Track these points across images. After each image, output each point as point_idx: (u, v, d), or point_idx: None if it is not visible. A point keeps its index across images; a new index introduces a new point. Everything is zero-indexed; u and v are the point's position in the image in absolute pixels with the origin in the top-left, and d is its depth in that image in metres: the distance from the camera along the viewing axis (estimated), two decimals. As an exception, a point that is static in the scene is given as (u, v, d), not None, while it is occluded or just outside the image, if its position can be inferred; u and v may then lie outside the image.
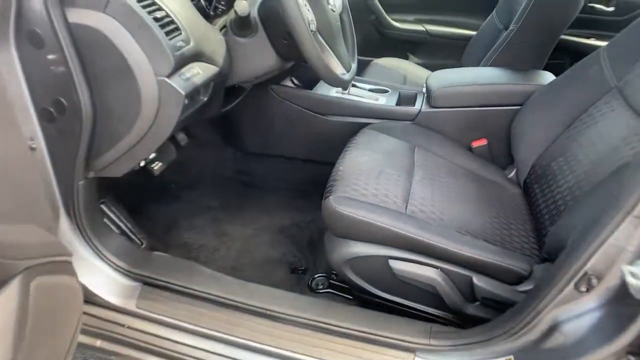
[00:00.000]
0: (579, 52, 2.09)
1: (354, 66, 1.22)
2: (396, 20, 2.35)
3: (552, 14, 1.58)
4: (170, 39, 0.91)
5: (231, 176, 1.81)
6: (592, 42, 2.13)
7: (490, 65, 1.67)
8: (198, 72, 0.99)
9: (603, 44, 2.18)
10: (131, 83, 0.90)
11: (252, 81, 1.26)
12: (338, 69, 1.12)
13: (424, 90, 1.57)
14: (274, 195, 1.73)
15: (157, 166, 1.32)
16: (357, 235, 1.03)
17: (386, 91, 1.64)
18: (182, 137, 1.68)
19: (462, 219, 1.10)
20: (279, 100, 1.54)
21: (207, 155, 1.84)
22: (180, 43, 0.94)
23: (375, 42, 2.43)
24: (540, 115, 1.34)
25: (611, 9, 2.09)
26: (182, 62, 0.95)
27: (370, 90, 1.66)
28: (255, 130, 1.69)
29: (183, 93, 0.92)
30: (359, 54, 2.45)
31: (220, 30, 1.11)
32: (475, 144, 1.48)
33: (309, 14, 1.00)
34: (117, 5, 0.85)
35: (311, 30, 1.01)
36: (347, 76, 1.14)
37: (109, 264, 1.11)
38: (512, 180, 1.38)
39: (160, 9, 0.93)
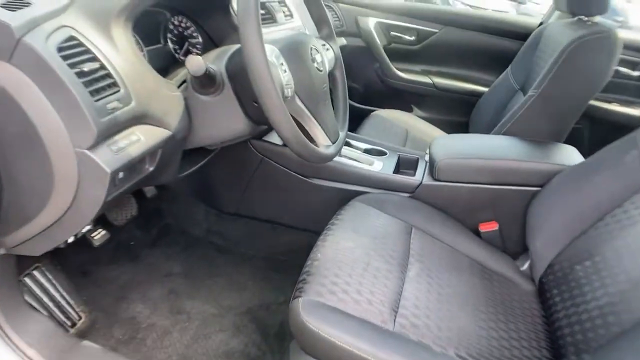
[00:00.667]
0: (600, 118, 1.90)
1: (342, 135, 1.01)
2: (401, 70, 2.17)
3: (580, 81, 1.38)
4: (100, 99, 0.70)
5: (201, 236, 1.59)
6: (615, 107, 1.93)
7: (504, 134, 1.45)
8: (139, 139, 0.78)
9: (626, 110, 2.03)
10: (41, 154, 0.69)
11: (219, 145, 1.06)
12: (320, 140, 0.92)
13: (427, 157, 1.37)
14: (247, 264, 1.50)
15: (98, 235, 1.10)
16: (327, 358, 0.80)
17: (384, 153, 1.43)
18: (148, 189, 1.47)
19: (463, 333, 0.87)
20: (258, 157, 1.33)
21: (176, 209, 1.62)
22: (115, 104, 0.73)
23: (377, 91, 2.25)
24: (563, 203, 1.12)
25: (637, 73, 1.90)
26: (116, 127, 0.74)
27: (365, 150, 1.45)
28: (231, 187, 1.48)
29: (108, 170, 0.71)
30: (359, 103, 2.32)
31: (180, 85, 0.91)
32: (484, 228, 1.26)
33: (283, 76, 0.80)
34: (27, 53, 0.64)
35: (285, 96, 0.81)
36: (331, 149, 0.92)
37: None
38: (525, 274, 1.16)
39: (93, 59, 0.72)
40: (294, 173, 1.32)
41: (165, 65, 1.02)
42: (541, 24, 2.00)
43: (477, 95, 1.97)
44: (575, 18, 1.53)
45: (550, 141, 1.40)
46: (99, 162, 0.70)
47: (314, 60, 0.90)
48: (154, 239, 1.55)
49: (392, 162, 1.39)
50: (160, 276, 1.44)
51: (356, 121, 1.80)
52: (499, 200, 1.26)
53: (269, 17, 1.34)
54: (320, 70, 0.92)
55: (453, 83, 2.14)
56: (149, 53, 0.99)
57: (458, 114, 2.13)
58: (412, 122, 1.96)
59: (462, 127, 2.03)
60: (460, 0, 9.57)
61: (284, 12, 1.44)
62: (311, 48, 0.91)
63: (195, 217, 1.59)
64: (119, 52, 0.76)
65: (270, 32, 1.27)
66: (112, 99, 0.73)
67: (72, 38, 0.71)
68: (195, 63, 0.74)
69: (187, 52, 1.10)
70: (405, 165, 1.42)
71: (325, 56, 0.98)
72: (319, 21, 1.06)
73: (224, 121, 0.88)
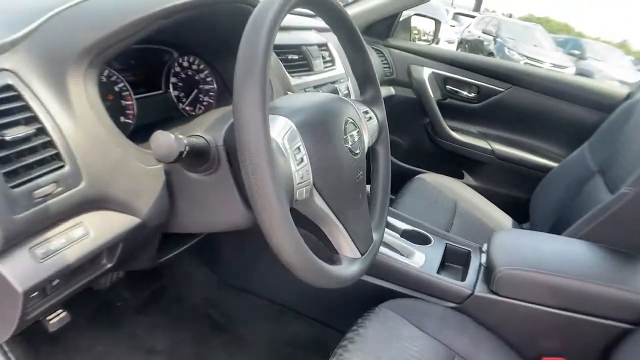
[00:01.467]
0: None
1: (376, 241, 0.74)
2: (455, 130, 1.90)
3: None
4: (21, 183, 0.47)
5: (198, 306, 1.34)
6: None
7: (584, 237, 1.14)
8: (85, 234, 0.54)
9: None
10: None
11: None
12: (345, 250, 0.65)
13: (483, 258, 1.09)
14: (245, 350, 1.23)
15: (56, 318, 0.87)
16: None
17: (427, 240, 1.16)
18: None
19: None
20: None
21: (176, 269, 1.39)
22: (49, 188, 0.49)
23: (425, 150, 1.98)
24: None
25: None
26: (48, 221, 0.51)
27: (404, 233, 1.18)
28: (237, 257, 1.24)
29: (19, 290, 0.47)
30: (403, 161, 2.06)
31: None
32: (548, 364, 0.96)
33: (297, 169, 0.54)
34: None
35: (296, 200, 0.55)
36: (355, 267, 0.65)
37: None
38: None
39: (30, 120, 0.50)
40: None
41: (162, 118, 0.80)
42: (629, 95, 1.69)
43: (543, 170, 1.66)
44: None
45: (636, 255, 1.09)
46: (6, 277, 0.47)
47: (347, 139, 0.65)
48: (144, 302, 1.32)
49: (437, 255, 1.11)
50: (141, 352, 1.20)
51: (397, 183, 1.54)
52: (572, 332, 0.96)
53: (304, 64, 1.10)
54: (356, 154, 0.66)
55: (515, 152, 1.84)
56: (142, 102, 0.76)
57: (518, 190, 1.83)
58: (462, 192, 1.67)
59: (521, 205, 1.72)
60: (518, 51, 9.31)
61: (323, 57, 1.21)
62: (346, 121, 0.66)
63: (195, 281, 1.35)
64: (73, 112, 0.53)
65: (300, 84, 1.03)
66: (47, 180, 0.49)
67: (8, 87, 0.50)
68: (163, 143, 0.48)
69: (195, 102, 0.88)
70: (453, 258, 1.14)
71: (365, 132, 0.72)
72: (363, 78, 0.80)
73: (216, 208, 0.64)
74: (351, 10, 1.84)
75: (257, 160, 0.45)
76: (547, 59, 9.17)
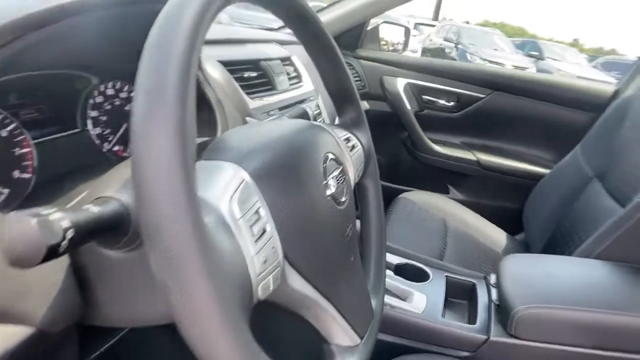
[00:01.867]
0: None
1: (376, 308, 0.56)
2: (436, 142, 1.75)
3: None
4: None
5: None
6: None
7: (601, 256, 1.00)
8: None
9: None
10: None
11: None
12: (339, 338, 0.47)
13: (492, 285, 0.93)
14: None
15: None
16: None
17: (426, 276, 0.99)
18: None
19: None
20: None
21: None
22: None
23: (406, 166, 1.83)
24: None
25: None
26: None
27: (397, 269, 1.01)
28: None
29: None
30: (383, 180, 1.87)
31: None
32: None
33: (253, 254, 0.34)
34: None
35: (257, 299, 0.36)
36: (354, 358, 0.47)
37: None
38: None
39: None
40: None
41: (79, 165, 0.60)
42: (616, 92, 1.59)
43: (534, 178, 1.53)
44: None
45: None
46: None
47: (329, 184, 0.47)
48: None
49: (439, 293, 0.95)
50: None
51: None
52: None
53: (265, 83, 0.92)
54: (342, 203, 0.49)
55: (502, 161, 1.70)
56: (49, 147, 0.57)
57: (508, 200, 1.69)
58: (450, 209, 1.52)
59: (512, 216, 1.59)
60: (480, 56, 9.44)
61: (288, 73, 1.04)
62: (326, 158, 0.48)
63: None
64: None
65: (261, 107, 0.85)
66: None
67: None
68: (17, 237, 0.26)
69: (126, 139, 0.69)
70: (456, 292, 0.99)
71: (350, 167, 0.55)
72: (341, 96, 0.63)
73: (142, 295, 0.44)
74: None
75: (176, 253, 0.27)
76: (508, 62, 9.33)
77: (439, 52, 10.33)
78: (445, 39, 10.47)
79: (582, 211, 1.21)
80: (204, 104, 0.72)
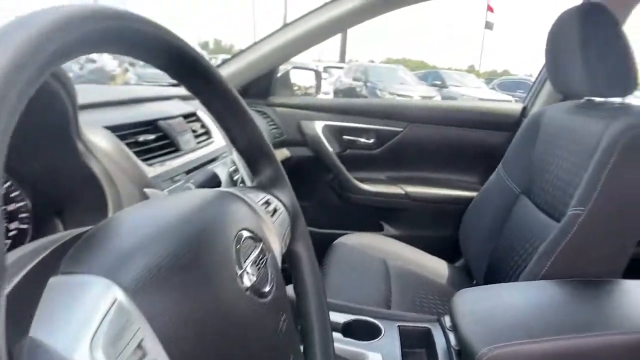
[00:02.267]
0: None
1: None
2: (362, 180, 1.71)
3: None
4: None
5: None
6: None
7: (547, 276, 0.97)
8: None
9: None
10: None
11: None
12: None
13: (448, 328, 0.87)
14: None
15: None
16: None
17: (377, 332, 0.91)
18: None
19: None
20: None
21: None
22: None
23: (336, 210, 1.76)
24: None
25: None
26: None
27: (346, 328, 0.92)
28: None
29: None
30: (315, 226, 1.83)
31: None
32: None
33: None
34: None
35: None
36: None
37: None
38: None
39: None
40: None
41: None
42: (524, 110, 1.66)
43: (464, 202, 1.53)
44: (584, 99, 1.18)
45: (609, 280, 0.95)
46: None
47: (245, 275, 0.36)
48: None
49: (393, 348, 0.87)
50: None
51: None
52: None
53: (166, 145, 0.81)
54: (266, 294, 0.38)
55: (431, 190, 1.70)
56: None
57: (442, 229, 1.68)
58: (388, 247, 1.47)
59: (449, 244, 1.57)
60: (388, 91, 9.95)
61: (194, 130, 0.94)
62: (238, 239, 0.37)
63: None
64: None
65: (161, 174, 0.74)
66: None
67: None
68: None
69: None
70: (411, 342, 0.91)
71: (273, 239, 0.45)
72: (252, 154, 0.54)
73: None
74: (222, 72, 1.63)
75: None
76: (415, 93, 9.89)
77: (350, 92, 10.74)
78: (354, 79, 10.93)
79: (517, 229, 1.22)
80: (89, 182, 0.60)
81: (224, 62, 1.65)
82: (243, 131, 0.52)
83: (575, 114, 1.16)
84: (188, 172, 0.80)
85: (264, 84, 1.69)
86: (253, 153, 0.55)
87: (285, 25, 1.63)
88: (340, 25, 1.58)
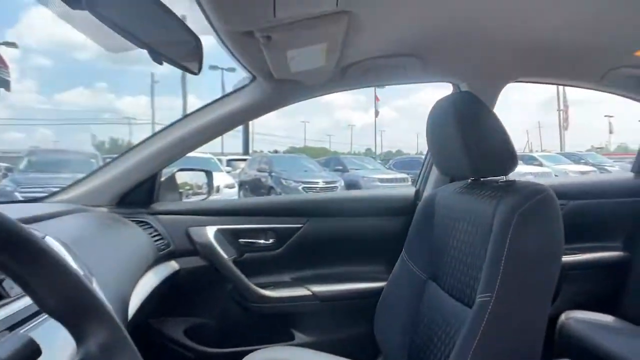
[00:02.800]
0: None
1: None
2: (265, 286, 1.55)
3: (540, 260, 0.96)
4: None
5: None
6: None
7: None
8: None
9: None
10: None
11: None
12: None
13: None
14: None
15: None
16: None
17: None
18: None
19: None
20: None
21: None
22: None
23: (241, 324, 1.57)
24: None
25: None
26: None
27: None
28: None
29: None
30: (218, 347, 1.45)
31: None
32: None
33: None
34: None
35: None
36: None
37: None
38: None
39: None
40: None
41: None
42: (417, 193, 1.68)
43: (374, 295, 1.44)
44: (470, 180, 1.21)
45: None
46: None
47: None
48: None
49: None
50: None
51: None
52: None
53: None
54: None
55: (338, 287, 1.58)
56: None
57: (357, 327, 1.55)
58: (301, 358, 1.30)
59: (366, 341, 1.45)
60: (293, 179, 10.11)
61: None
62: None
63: None
64: None
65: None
66: None
67: None
68: None
69: None
70: None
71: None
72: (71, 312, 0.39)
73: None
74: (90, 184, 1.45)
75: None
76: (319, 180, 10.17)
77: (256, 183, 10.75)
78: (259, 170, 11.01)
79: (431, 318, 1.17)
80: None
81: (93, 172, 1.48)
82: (52, 284, 0.37)
83: (465, 195, 1.18)
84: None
85: (145, 190, 1.53)
86: (73, 311, 0.40)
87: (167, 126, 1.53)
88: (230, 122, 1.51)
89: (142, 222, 1.44)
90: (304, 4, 0.90)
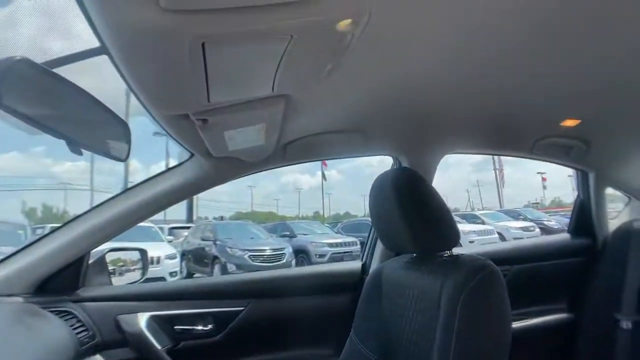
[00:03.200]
0: None
1: None
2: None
3: (491, 335, 0.97)
4: None
5: None
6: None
7: None
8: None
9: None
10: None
11: None
12: None
13: None
14: None
15: None
16: None
17: None
18: None
19: None
20: None
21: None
22: None
23: None
24: None
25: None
26: None
27: None
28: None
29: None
30: None
31: None
32: None
33: None
34: None
35: None
36: None
37: None
38: None
39: None
40: None
41: None
42: (364, 267, 1.65)
43: None
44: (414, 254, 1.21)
45: None
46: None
47: None
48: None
49: None
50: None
51: None
52: None
53: None
54: None
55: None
56: None
57: None
58: None
59: None
60: (239, 247, 9.81)
61: None
62: None
63: None
64: None
65: None
66: None
67: None
68: None
69: None
70: None
71: None
72: None
73: None
74: (4, 270, 1.30)
75: None
76: (266, 247, 9.91)
77: (200, 252, 10.32)
78: (203, 238, 10.61)
79: None
80: None
81: (17, 252, 1.34)
82: None
83: (411, 270, 1.17)
84: None
85: (70, 274, 1.39)
86: None
87: (100, 204, 1.43)
88: (169, 199, 1.44)
89: (63, 312, 1.30)
90: (239, 92, 0.89)
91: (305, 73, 0.89)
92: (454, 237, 1.13)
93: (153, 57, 0.64)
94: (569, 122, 1.55)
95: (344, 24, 0.69)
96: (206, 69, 0.70)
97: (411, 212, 1.11)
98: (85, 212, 1.42)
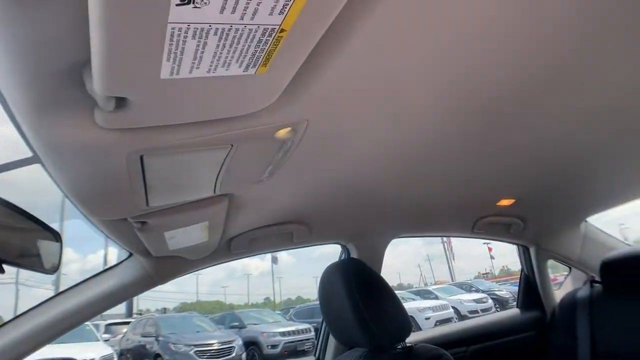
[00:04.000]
0: None
1: None
2: None
3: None
4: None
5: None
6: None
7: None
8: None
9: None
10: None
11: None
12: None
13: None
14: None
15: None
16: None
17: None
18: None
19: None
20: None
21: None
22: None
23: None
24: None
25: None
26: None
27: None
28: None
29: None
30: None
31: None
32: None
33: None
34: None
35: None
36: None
37: None
38: None
39: None
40: None
41: None
42: (317, 358, 1.57)
43: None
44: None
45: None
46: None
47: None
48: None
49: None
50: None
51: None
52: None
53: None
54: None
55: None
56: None
57: None
58: None
59: None
60: (184, 343, 9.14)
61: None
62: None
63: None
64: None
65: None
66: None
67: None
68: None
69: None
70: None
71: None
72: None
73: None
74: None
75: None
76: (214, 340, 9.31)
77: (140, 351, 9.51)
78: (144, 334, 9.84)
79: None
80: None
81: None
82: None
83: None
84: None
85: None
86: None
87: (26, 311, 1.30)
88: (107, 301, 1.33)
89: None
90: (180, 195, 0.88)
91: (247, 175, 0.89)
92: (406, 328, 1.11)
93: (89, 170, 0.63)
94: (505, 202, 1.64)
95: (284, 132, 0.71)
96: (144, 178, 0.69)
97: (360, 305, 1.09)
98: (10, 321, 1.28)
